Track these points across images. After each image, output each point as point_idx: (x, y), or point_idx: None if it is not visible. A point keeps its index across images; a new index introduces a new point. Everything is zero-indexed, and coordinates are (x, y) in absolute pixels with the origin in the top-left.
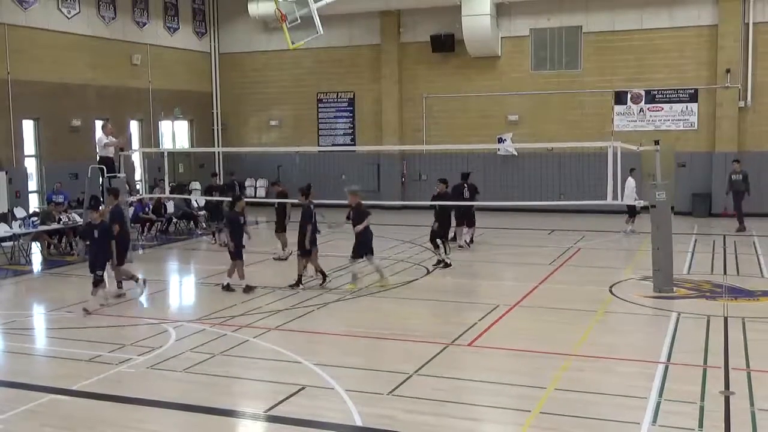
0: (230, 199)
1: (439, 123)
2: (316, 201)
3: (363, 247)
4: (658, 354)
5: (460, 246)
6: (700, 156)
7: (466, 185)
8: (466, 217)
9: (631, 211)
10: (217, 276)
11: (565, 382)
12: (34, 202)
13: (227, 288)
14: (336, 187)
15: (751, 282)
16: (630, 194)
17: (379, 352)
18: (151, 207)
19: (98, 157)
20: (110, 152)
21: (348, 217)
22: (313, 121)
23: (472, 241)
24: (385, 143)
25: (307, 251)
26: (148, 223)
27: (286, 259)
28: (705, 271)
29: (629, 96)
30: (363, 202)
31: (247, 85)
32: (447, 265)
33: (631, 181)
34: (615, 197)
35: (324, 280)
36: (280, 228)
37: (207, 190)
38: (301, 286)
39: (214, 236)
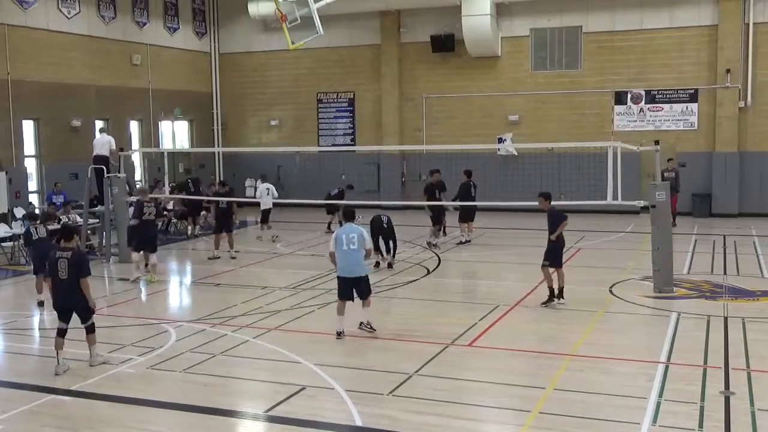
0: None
1: (439, 123)
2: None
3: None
4: (658, 354)
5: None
6: (700, 156)
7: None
8: None
9: (265, 217)
10: (217, 276)
11: (565, 382)
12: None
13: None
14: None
15: (751, 282)
16: (267, 200)
17: (379, 352)
18: None
19: (94, 156)
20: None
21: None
22: (313, 121)
23: None
24: (385, 143)
25: (559, 262)
26: None
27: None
28: (705, 271)
29: (629, 96)
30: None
31: (247, 85)
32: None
33: (263, 187)
34: (615, 197)
35: (551, 298)
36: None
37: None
38: (554, 301)
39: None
